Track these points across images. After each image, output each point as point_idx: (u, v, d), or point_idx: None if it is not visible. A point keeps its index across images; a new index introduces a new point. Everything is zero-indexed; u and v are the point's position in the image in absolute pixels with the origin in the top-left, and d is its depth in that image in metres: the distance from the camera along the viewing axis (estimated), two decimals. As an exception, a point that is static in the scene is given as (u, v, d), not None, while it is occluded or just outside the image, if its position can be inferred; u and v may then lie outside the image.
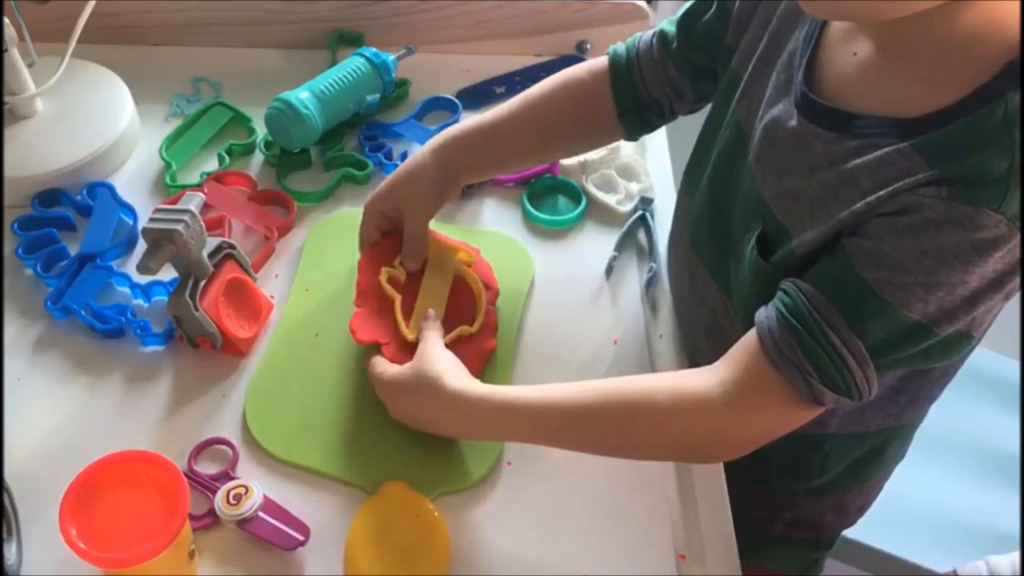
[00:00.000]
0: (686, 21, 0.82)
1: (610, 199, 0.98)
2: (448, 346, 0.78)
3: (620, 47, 0.86)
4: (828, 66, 0.68)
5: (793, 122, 0.67)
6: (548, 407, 0.70)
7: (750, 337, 0.67)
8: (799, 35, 0.70)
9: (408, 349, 0.79)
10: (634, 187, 1.00)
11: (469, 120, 0.87)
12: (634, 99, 0.85)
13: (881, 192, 0.61)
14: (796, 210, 0.67)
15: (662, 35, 0.84)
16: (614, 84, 0.85)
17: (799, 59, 0.69)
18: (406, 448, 0.77)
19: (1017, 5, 0.58)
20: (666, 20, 0.85)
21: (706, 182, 0.79)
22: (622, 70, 0.85)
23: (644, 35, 0.86)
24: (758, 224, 0.70)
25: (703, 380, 0.68)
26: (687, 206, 0.83)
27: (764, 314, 0.66)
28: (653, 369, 0.85)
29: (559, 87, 0.87)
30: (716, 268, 0.78)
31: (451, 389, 0.71)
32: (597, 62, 0.87)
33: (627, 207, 0.98)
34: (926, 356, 0.63)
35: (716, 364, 0.68)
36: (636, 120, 0.86)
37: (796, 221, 0.67)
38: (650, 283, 0.91)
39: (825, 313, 0.62)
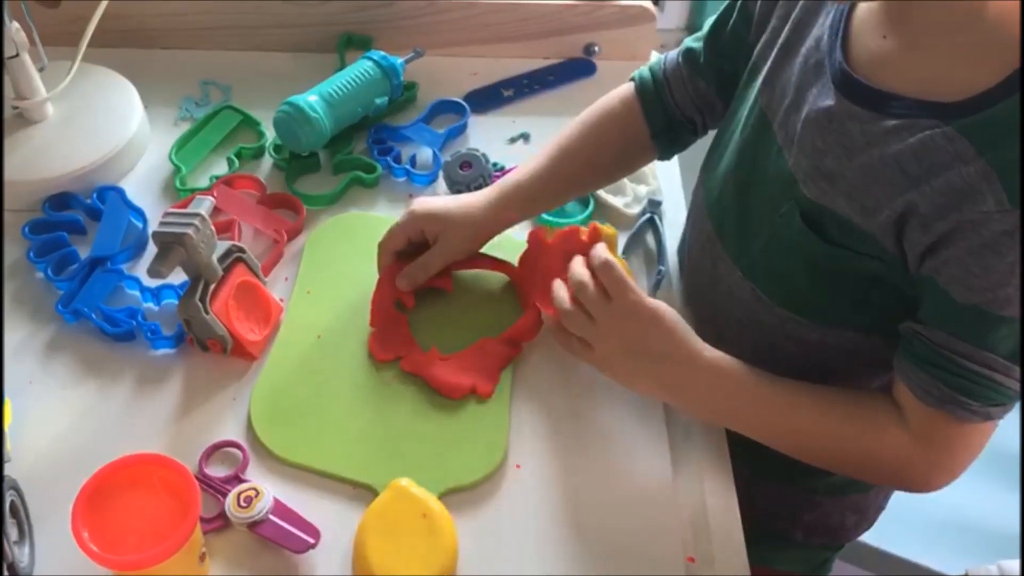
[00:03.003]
0: (713, 32, 0.85)
1: (618, 202, 0.98)
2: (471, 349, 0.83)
3: (644, 71, 0.89)
4: (859, 49, 0.68)
5: (829, 101, 0.68)
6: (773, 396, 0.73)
7: (901, 387, 0.69)
8: (824, 22, 0.71)
9: (424, 360, 0.82)
10: (642, 190, 1.00)
11: (520, 167, 0.88)
12: (666, 119, 0.87)
13: (940, 186, 0.61)
14: (832, 191, 0.68)
15: (688, 52, 0.86)
16: (644, 108, 0.87)
17: (830, 41, 0.69)
18: (412, 446, 0.77)
19: None
20: (689, 38, 0.87)
21: (729, 170, 0.80)
22: (651, 93, 0.87)
23: (668, 56, 0.88)
24: (794, 206, 0.71)
25: (897, 415, 0.70)
26: (706, 197, 0.84)
27: (901, 365, 0.68)
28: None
29: (595, 120, 0.89)
30: (740, 254, 0.79)
31: (686, 346, 0.74)
32: (626, 88, 0.89)
33: (635, 210, 0.98)
34: None
35: (897, 398, 0.71)
36: (669, 140, 0.89)
37: (832, 200, 0.68)
38: (658, 286, 0.91)
39: (953, 346, 0.64)
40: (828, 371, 0.77)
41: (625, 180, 0.99)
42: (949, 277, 0.63)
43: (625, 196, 0.99)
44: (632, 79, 0.89)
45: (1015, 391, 0.64)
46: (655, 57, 0.89)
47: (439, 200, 0.86)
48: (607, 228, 0.82)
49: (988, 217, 0.59)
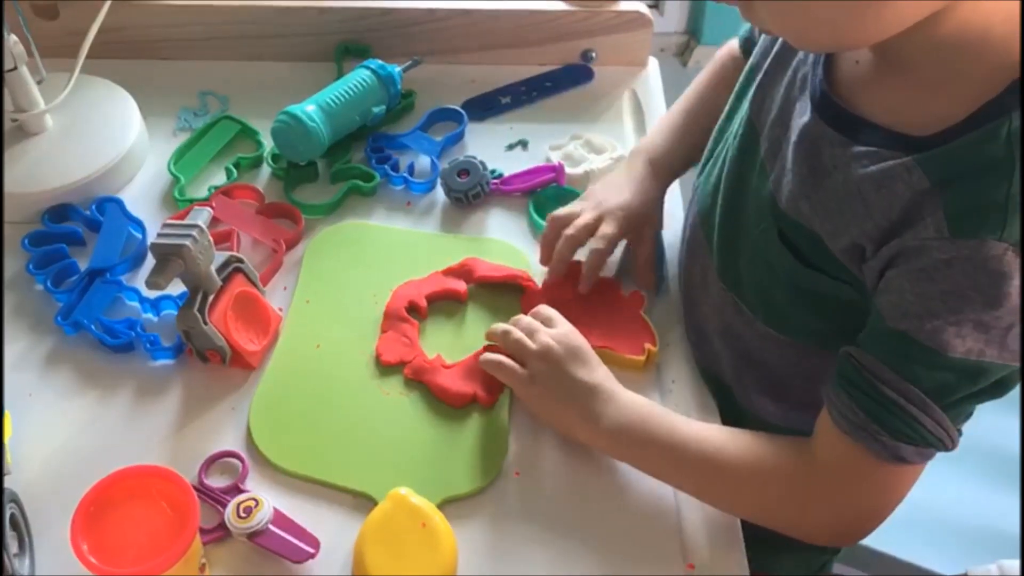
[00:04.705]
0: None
1: None
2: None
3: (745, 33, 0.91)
4: (839, 70, 0.68)
5: (806, 118, 0.68)
6: (673, 442, 0.72)
7: (823, 413, 0.68)
8: None
9: (428, 366, 0.82)
10: None
11: (658, 132, 0.93)
12: None
13: (893, 217, 0.61)
14: (803, 210, 0.68)
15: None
16: None
17: (815, 57, 0.69)
18: (411, 455, 0.78)
19: (1010, 11, 0.58)
20: None
21: (719, 181, 0.80)
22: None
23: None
24: (773, 224, 0.71)
25: (797, 455, 0.70)
26: (699, 205, 0.84)
27: (827, 388, 0.67)
28: (658, 375, 0.85)
29: (715, 83, 0.93)
30: (725, 267, 0.79)
31: (587, 380, 0.75)
32: (728, 51, 0.94)
33: None
34: (998, 388, 0.63)
35: (816, 426, 0.70)
36: None
37: (804, 219, 0.68)
38: (658, 290, 0.91)
39: (876, 370, 0.63)
40: (808, 386, 0.77)
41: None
42: (885, 300, 0.62)
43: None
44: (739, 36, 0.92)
45: (930, 432, 0.63)
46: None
47: (632, 197, 0.88)
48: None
49: (927, 244, 0.59)
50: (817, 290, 0.69)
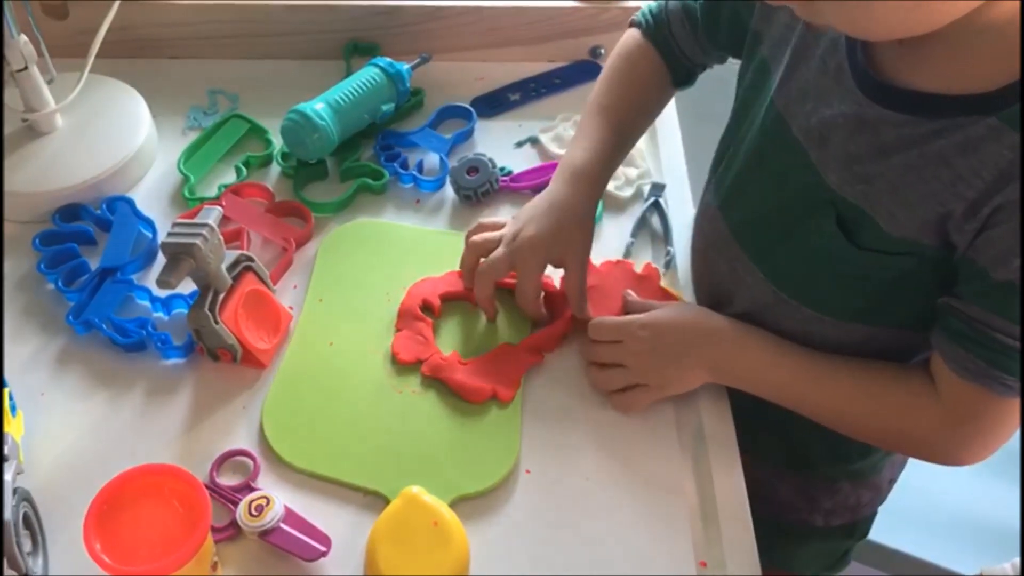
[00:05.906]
0: (709, 6, 0.86)
1: (609, 185, 0.98)
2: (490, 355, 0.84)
3: (648, 19, 0.91)
4: (876, 52, 0.68)
5: (856, 106, 0.68)
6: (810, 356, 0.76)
7: (938, 361, 0.70)
8: None
9: (446, 363, 0.82)
10: (632, 172, 1.01)
11: (577, 143, 0.89)
12: (685, 71, 0.92)
13: (988, 177, 0.61)
14: (872, 191, 0.68)
15: (687, 12, 0.88)
16: (666, 61, 0.91)
17: (850, 44, 0.69)
18: (422, 453, 0.77)
19: None
20: None
21: (744, 172, 0.80)
22: (665, 48, 0.90)
23: (671, 7, 0.89)
24: (828, 210, 0.71)
25: (927, 383, 0.72)
26: (719, 199, 0.84)
27: (938, 340, 0.69)
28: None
29: (627, 79, 0.92)
30: (760, 257, 0.79)
31: (715, 320, 0.79)
32: (634, 44, 0.92)
33: (627, 192, 0.99)
34: None
35: (933, 370, 0.72)
36: (688, 81, 0.94)
37: (874, 201, 0.68)
38: (668, 267, 0.92)
39: (988, 321, 0.65)
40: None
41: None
42: (989, 256, 0.63)
43: (616, 179, 1.00)
44: (638, 25, 0.92)
45: None
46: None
47: (543, 225, 0.83)
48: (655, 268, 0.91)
49: None
50: (871, 271, 0.70)
